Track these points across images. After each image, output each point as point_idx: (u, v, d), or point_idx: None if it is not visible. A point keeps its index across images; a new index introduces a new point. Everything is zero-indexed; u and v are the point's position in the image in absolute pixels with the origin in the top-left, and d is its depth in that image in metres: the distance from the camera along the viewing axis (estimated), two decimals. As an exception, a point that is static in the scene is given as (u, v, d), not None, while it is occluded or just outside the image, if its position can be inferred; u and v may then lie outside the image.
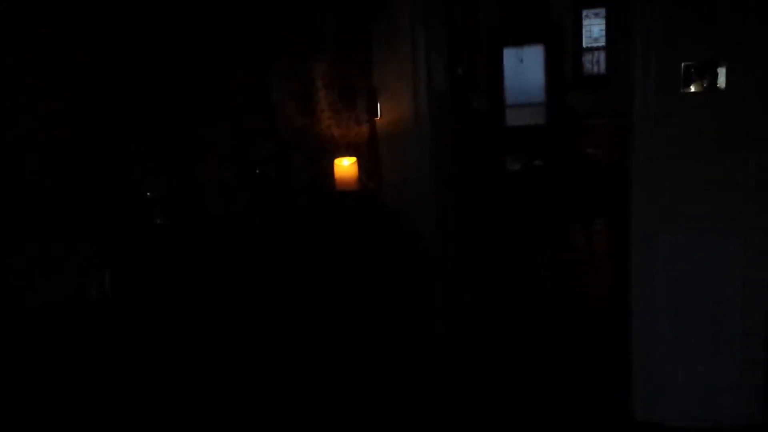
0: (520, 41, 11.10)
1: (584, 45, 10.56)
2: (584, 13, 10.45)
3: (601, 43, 10.33)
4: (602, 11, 10.14)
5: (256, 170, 3.46)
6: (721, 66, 3.14)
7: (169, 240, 3.64)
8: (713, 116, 3.19)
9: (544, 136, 10.12)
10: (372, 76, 3.59)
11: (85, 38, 3.47)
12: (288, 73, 3.60)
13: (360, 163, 3.59)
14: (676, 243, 3.31)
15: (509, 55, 11.22)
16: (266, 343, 3.43)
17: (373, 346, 3.42)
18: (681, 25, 3.18)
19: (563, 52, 10.69)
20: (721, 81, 3.16)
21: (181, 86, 3.70)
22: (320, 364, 3.41)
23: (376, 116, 3.61)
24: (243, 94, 3.67)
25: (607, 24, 9.21)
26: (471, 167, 5.29)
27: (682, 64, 3.21)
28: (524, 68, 11.29)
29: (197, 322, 3.52)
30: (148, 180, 3.69)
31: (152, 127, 3.72)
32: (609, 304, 4.65)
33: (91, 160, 3.51)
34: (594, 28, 10.34)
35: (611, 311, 4.43)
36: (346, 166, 3.41)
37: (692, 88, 3.22)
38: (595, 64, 10.09)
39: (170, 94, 3.72)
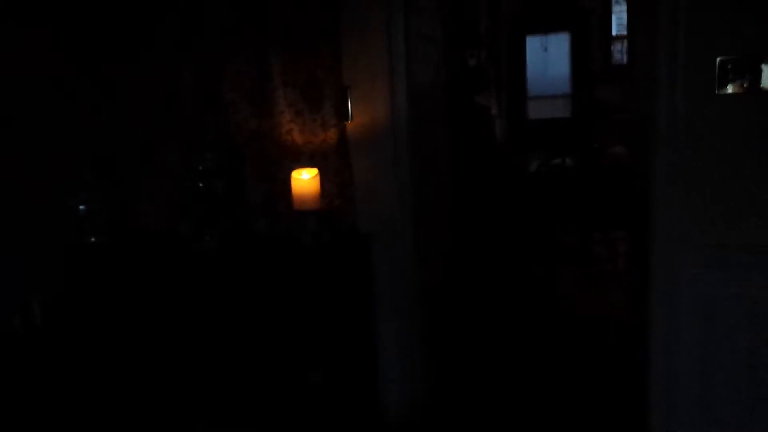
0: (544, 29, 10.43)
1: (614, 33, 9.84)
2: (614, -3, 9.72)
3: (633, 30, 9.51)
4: (633, -4, 9.33)
5: (200, 184, 2.89)
6: (766, 63, 2.52)
7: (105, 262, 3.11)
8: (755, 123, 2.59)
9: (568, 132, 9.46)
10: (341, 72, 3.00)
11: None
12: (242, 69, 3.03)
13: (327, 176, 3.03)
14: (705, 279, 2.70)
15: (532, 43, 10.56)
16: (203, 385, 2.89)
17: (332, 392, 2.87)
18: (716, 12, 2.56)
19: (591, 41, 10.00)
20: (766, 81, 2.53)
21: (122, 84, 3.16)
22: (268, 411, 2.87)
23: (347, 119, 3.03)
24: (191, 93, 3.12)
25: (628, 8, 8.41)
26: (474, 170, 4.68)
27: (718, 60, 2.60)
28: (548, 57, 10.62)
29: (132, 356, 3.00)
30: (81, 192, 3.17)
31: (87, 132, 3.20)
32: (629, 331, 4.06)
33: (13, 169, 3.03)
34: (625, 15, 9.59)
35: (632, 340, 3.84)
36: (305, 180, 2.84)
37: (729, 89, 2.60)
38: (626, 53, 9.35)
39: (109, 93, 3.20)
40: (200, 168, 2.91)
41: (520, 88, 10.39)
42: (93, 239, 3.14)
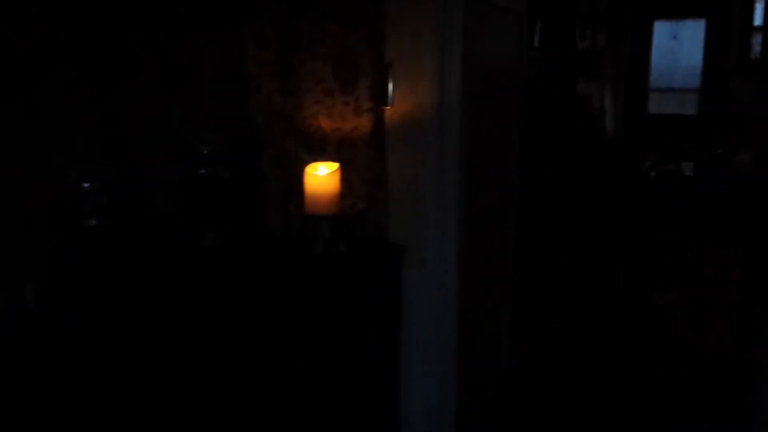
0: (676, 14, 9.36)
1: (757, 23, 8.66)
2: (759, -17, 8.56)
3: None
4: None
5: (201, 170, 2.43)
6: None
7: (102, 248, 2.72)
8: None
9: (692, 131, 8.43)
10: (383, 46, 2.44)
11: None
12: (266, 35, 2.53)
13: (355, 171, 2.48)
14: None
15: (661, 28, 9.53)
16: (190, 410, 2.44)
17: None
18: None
19: (729, 30, 8.87)
20: None
21: (130, 49, 2.72)
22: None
23: (386, 104, 2.47)
24: (210, 62, 2.65)
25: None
26: (562, 169, 4.00)
27: None
28: (678, 46, 9.55)
29: (113, 358, 2.59)
30: (85, 168, 2.78)
31: (97, 104, 2.80)
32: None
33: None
34: (771, 3, 8.41)
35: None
36: (322, 177, 2.31)
37: None
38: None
39: (120, 59, 2.77)
40: (204, 152, 2.44)
41: (642, 78, 9.42)
42: (94, 222, 2.76)
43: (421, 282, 2.50)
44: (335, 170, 2.33)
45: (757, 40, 8.29)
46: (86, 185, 2.76)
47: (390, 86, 2.45)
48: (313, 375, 2.34)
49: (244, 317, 2.33)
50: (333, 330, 2.31)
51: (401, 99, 2.46)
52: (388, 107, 2.47)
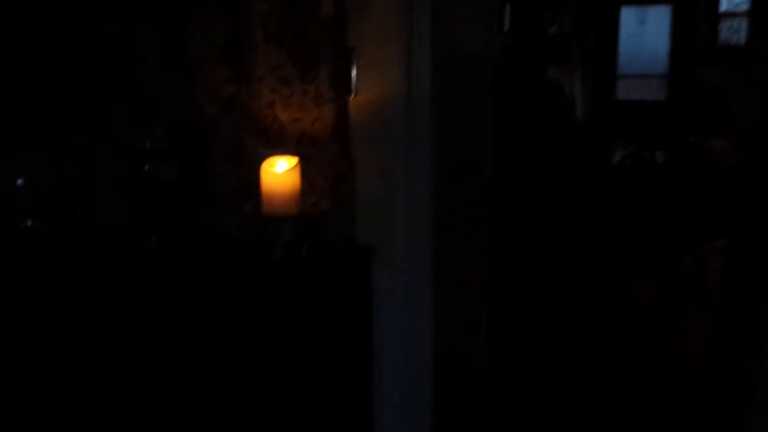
0: (642, -1, 9.30)
1: (723, 8, 8.61)
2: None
3: (747, 7, 8.25)
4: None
5: (144, 168, 2.18)
6: None
7: (37, 252, 2.46)
8: None
9: (661, 118, 8.35)
10: (345, 28, 2.22)
11: None
12: (212, 17, 2.28)
13: (317, 167, 2.27)
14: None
15: (628, 14, 9.44)
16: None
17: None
18: None
19: (696, 16, 8.81)
20: None
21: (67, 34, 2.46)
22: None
23: (350, 93, 2.25)
24: (153, 49, 2.39)
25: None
26: (533, 162, 3.84)
27: None
28: (645, 31, 9.48)
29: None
30: (18, 166, 2.51)
31: (29, 93, 2.53)
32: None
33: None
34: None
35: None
36: (280, 174, 2.08)
37: None
38: (735, 32, 8.10)
39: (57, 44, 2.50)
40: (147, 147, 2.19)
41: (610, 64, 9.32)
42: (29, 223, 2.50)
43: (392, 285, 2.29)
44: (295, 166, 2.10)
45: (725, 26, 8.22)
46: (19, 182, 2.51)
47: (353, 73, 2.22)
48: (274, 388, 2.13)
49: (190, 329, 2.10)
50: (295, 341, 2.09)
51: (366, 87, 2.24)
52: (352, 96, 2.25)
